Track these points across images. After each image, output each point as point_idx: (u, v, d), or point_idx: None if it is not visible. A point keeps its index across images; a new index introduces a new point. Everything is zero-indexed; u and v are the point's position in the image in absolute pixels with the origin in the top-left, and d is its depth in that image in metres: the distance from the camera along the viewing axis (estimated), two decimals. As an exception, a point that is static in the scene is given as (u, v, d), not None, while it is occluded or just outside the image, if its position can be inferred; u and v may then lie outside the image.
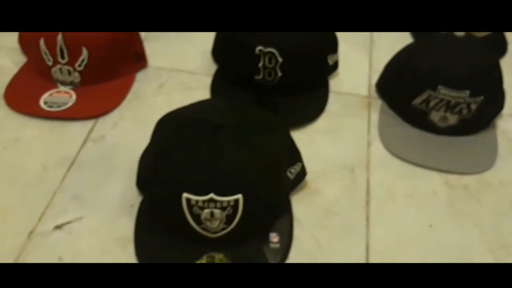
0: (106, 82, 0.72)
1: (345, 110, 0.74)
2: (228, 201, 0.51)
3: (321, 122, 0.72)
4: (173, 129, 0.55)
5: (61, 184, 0.61)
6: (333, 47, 0.76)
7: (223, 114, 0.56)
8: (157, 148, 0.55)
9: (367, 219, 0.60)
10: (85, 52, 0.68)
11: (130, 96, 0.72)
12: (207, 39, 0.80)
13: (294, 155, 0.60)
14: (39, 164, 0.63)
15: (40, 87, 0.71)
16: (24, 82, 0.72)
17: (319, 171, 0.64)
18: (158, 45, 0.79)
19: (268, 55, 0.69)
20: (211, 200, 0.51)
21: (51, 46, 0.68)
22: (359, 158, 0.67)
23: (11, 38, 0.78)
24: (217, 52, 0.77)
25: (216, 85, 0.74)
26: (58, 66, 0.69)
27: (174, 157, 0.53)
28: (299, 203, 0.60)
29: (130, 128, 0.68)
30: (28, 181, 0.61)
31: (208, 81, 0.75)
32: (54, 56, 0.69)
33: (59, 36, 0.67)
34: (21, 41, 0.76)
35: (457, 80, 0.66)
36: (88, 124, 0.68)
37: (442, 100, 0.67)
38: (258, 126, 0.57)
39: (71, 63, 0.69)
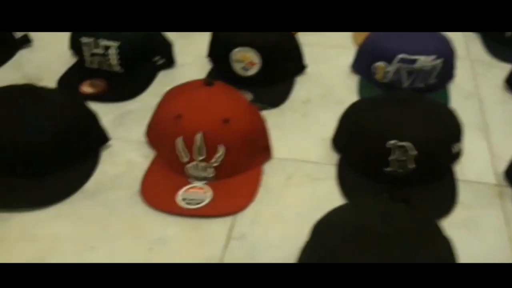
0: (237, 175, 0.73)
1: (476, 200, 0.72)
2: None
3: (454, 213, 0.71)
4: (337, 238, 0.55)
5: None
6: (458, 135, 0.76)
7: (383, 219, 0.55)
8: (324, 258, 0.54)
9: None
10: (221, 149, 0.70)
11: (261, 189, 0.73)
12: (324, 127, 0.82)
13: (454, 260, 0.59)
14: (186, 266, 0.63)
15: (174, 183, 0.72)
16: (157, 178, 0.73)
17: (468, 270, 0.63)
18: (278, 135, 0.80)
19: (402, 148, 0.69)
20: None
21: (189, 145, 0.70)
22: (504, 256, 0.65)
23: (137, 131, 0.81)
24: (340, 142, 0.78)
25: (343, 176, 0.75)
26: (194, 162, 0.71)
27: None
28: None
29: (268, 225, 0.68)
30: (179, 284, 0.61)
31: (332, 171, 0.76)
32: (191, 153, 0.70)
33: (199, 135, 0.69)
34: (149, 135, 0.78)
35: None
36: (227, 221, 0.68)
37: None
38: (421, 229, 0.56)
39: (207, 160, 0.71)
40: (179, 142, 0.70)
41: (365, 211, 0.58)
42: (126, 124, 0.83)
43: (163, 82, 0.93)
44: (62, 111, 0.71)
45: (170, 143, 0.71)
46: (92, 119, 0.76)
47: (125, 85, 0.90)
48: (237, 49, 0.87)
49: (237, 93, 0.75)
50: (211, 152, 0.70)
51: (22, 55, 0.99)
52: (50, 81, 0.92)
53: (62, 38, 1.00)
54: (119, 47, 0.87)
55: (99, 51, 0.88)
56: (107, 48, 0.87)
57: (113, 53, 0.88)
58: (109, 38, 0.87)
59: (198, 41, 1.01)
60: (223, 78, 0.90)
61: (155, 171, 0.74)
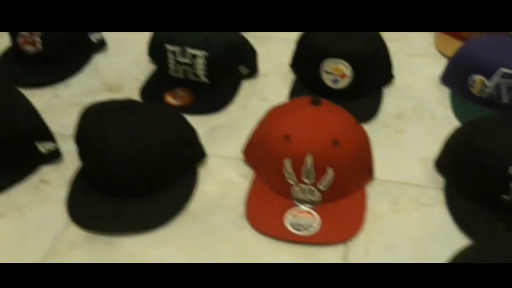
0: (342, 199, 0.70)
1: None
2: None
3: None
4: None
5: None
6: None
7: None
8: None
9: None
10: (331, 173, 0.67)
11: (368, 215, 0.70)
12: (421, 145, 0.79)
13: None
14: (304, 298, 0.61)
15: (279, 206, 0.69)
16: (261, 200, 0.70)
17: None
18: (374, 153, 0.77)
19: (524, 176, 0.66)
20: None
21: (297, 167, 0.67)
22: None
23: (231, 147, 0.78)
24: (448, 165, 0.74)
25: (454, 203, 0.71)
26: (301, 185, 0.68)
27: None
28: None
29: (383, 255, 0.65)
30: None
31: (440, 195, 0.72)
32: (298, 176, 0.67)
33: (309, 158, 0.66)
34: (248, 154, 0.75)
35: None
36: (338, 249, 0.65)
37: None
38: None
39: (315, 183, 0.68)
40: (287, 163, 0.67)
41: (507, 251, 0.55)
42: (218, 139, 0.80)
43: (248, 93, 0.90)
44: (165, 129, 0.68)
45: (277, 164, 0.68)
46: (193, 135, 0.73)
47: (211, 97, 0.87)
48: (328, 61, 0.84)
49: (344, 112, 0.71)
50: (319, 175, 0.67)
51: (98, 60, 0.96)
52: (131, 89, 0.89)
53: (137, 43, 0.97)
54: (207, 57, 0.84)
55: (186, 60, 0.85)
56: (194, 57, 0.84)
57: (200, 63, 0.84)
58: (196, 47, 0.84)
59: (276, 48, 0.98)
60: (310, 90, 0.88)
61: (258, 193, 0.71)
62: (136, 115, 0.68)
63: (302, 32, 0.90)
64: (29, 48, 0.90)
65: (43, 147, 0.72)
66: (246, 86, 0.91)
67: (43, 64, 0.91)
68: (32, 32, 0.89)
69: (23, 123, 0.69)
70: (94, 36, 0.95)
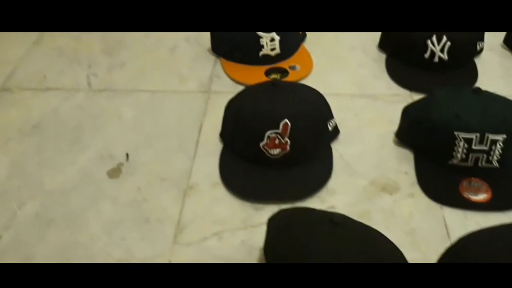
0: None
1: None
2: None
3: None
4: None
5: None
6: None
7: None
8: None
9: None
10: None
11: None
12: None
13: None
14: None
15: None
16: None
17: None
18: None
19: None
20: None
21: None
22: None
23: None
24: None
25: None
26: None
27: None
28: None
29: None
30: None
31: None
32: None
33: None
34: None
35: None
36: None
37: None
38: None
39: None
40: None
41: None
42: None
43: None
44: None
45: None
46: None
47: (508, 185, 0.74)
48: None
49: None
50: None
51: (339, 151, 0.80)
52: (408, 186, 0.74)
53: (360, 124, 0.85)
54: (505, 140, 0.71)
55: (483, 147, 0.72)
56: (493, 142, 0.72)
57: (498, 148, 0.72)
58: (497, 132, 0.71)
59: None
60: None
61: None
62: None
63: None
64: (275, 152, 0.75)
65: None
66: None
67: (289, 167, 0.76)
68: (283, 134, 0.73)
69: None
70: (330, 124, 0.81)
